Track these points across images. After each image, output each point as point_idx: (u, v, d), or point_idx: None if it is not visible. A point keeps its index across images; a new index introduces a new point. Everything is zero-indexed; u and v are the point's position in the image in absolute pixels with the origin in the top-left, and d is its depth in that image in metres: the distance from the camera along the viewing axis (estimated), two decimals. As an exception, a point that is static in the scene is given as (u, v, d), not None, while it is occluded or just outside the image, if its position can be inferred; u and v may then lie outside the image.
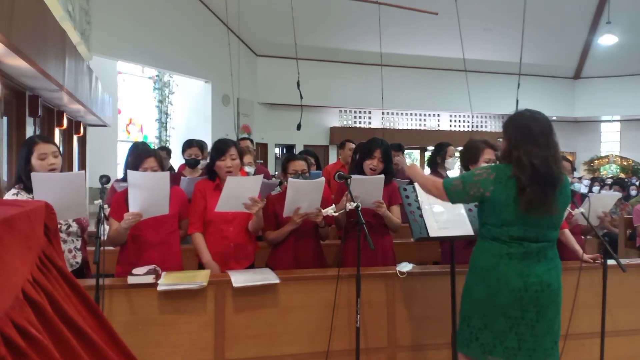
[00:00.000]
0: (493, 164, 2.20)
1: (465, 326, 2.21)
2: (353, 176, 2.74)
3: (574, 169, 3.51)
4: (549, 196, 2.05)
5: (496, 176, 2.09)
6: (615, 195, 3.37)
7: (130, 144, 4.06)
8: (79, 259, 2.71)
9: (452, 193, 2.18)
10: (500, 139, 2.29)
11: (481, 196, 2.12)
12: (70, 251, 2.67)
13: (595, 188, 8.85)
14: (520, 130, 2.11)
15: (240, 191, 2.62)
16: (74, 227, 2.71)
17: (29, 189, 2.54)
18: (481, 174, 2.13)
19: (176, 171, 4.68)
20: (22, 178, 2.55)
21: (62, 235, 2.65)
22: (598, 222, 3.19)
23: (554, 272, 2.13)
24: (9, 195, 2.59)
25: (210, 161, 2.92)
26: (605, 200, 3.24)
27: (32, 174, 2.34)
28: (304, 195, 2.74)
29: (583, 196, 3.29)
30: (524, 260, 2.08)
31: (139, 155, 2.78)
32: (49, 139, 2.72)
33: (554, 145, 2.11)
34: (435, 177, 2.41)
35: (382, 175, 2.84)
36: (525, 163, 2.03)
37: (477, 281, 2.18)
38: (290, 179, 2.80)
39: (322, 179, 2.83)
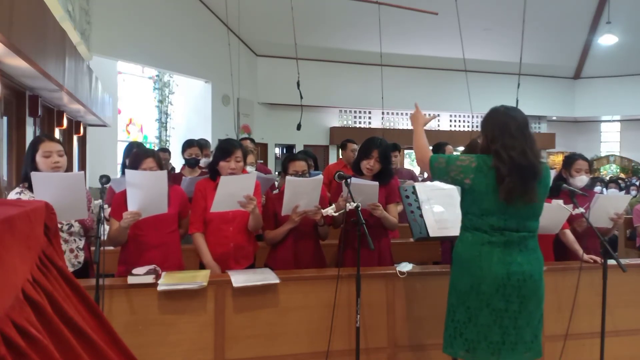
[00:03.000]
0: (477, 154, 2.22)
1: (450, 321, 2.21)
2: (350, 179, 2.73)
3: (591, 170, 3.46)
4: (530, 186, 2.08)
5: (477, 165, 2.12)
6: (625, 196, 3.33)
7: (127, 144, 4.05)
8: (81, 259, 2.72)
9: (434, 169, 2.24)
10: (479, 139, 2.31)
11: (461, 182, 2.16)
12: (72, 251, 2.67)
13: (597, 188, 8.82)
14: (496, 126, 2.15)
15: (234, 190, 2.61)
16: (76, 226, 2.71)
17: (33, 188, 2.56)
18: (464, 160, 2.17)
19: (179, 172, 4.67)
20: (28, 176, 2.56)
21: (64, 235, 2.66)
22: (612, 224, 3.15)
23: (535, 263, 2.14)
24: (12, 194, 2.61)
25: (213, 160, 2.91)
26: (615, 201, 3.18)
27: (32, 174, 2.35)
28: (302, 193, 2.74)
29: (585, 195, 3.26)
30: (506, 249, 2.10)
31: (138, 156, 2.79)
32: (55, 138, 2.75)
33: (530, 137, 2.14)
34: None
35: (377, 183, 2.82)
36: (503, 156, 2.07)
37: (461, 273, 2.19)
38: (288, 177, 2.80)
39: (320, 176, 2.83)
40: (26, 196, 2.56)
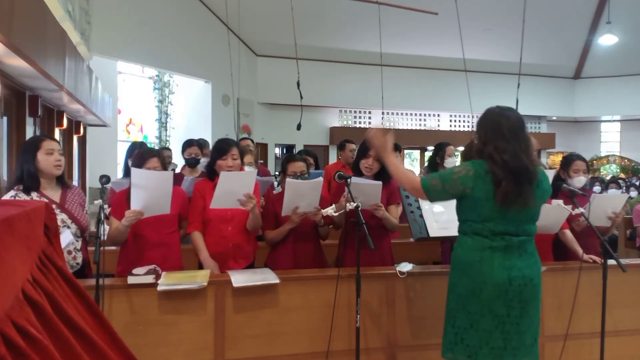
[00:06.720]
0: (470, 161, 2.19)
1: (450, 327, 2.19)
2: (352, 179, 2.73)
3: (588, 170, 3.46)
4: (525, 189, 2.06)
5: (475, 172, 2.10)
6: (622, 195, 3.33)
7: (129, 144, 4.05)
8: (79, 260, 2.69)
9: (431, 192, 2.17)
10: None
11: (462, 193, 2.12)
12: (69, 252, 2.65)
13: (596, 188, 8.82)
14: (489, 127, 2.14)
15: (234, 187, 2.61)
16: (73, 227, 2.68)
17: (27, 190, 2.53)
18: (460, 171, 2.13)
19: (179, 172, 4.66)
20: (24, 176, 2.53)
21: None
22: (610, 223, 3.15)
23: (535, 267, 2.14)
24: (6, 197, 2.56)
25: (210, 160, 2.92)
26: (612, 200, 3.17)
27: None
28: (302, 195, 2.74)
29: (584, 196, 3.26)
30: (506, 254, 2.09)
31: (142, 155, 2.78)
32: (55, 138, 2.73)
33: (525, 140, 2.12)
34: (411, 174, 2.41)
35: (380, 182, 2.82)
36: (497, 159, 2.06)
37: (460, 277, 2.16)
38: (288, 179, 2.80)
39: (320, 178, 2.83)
40: (21, 199, 2.50)
